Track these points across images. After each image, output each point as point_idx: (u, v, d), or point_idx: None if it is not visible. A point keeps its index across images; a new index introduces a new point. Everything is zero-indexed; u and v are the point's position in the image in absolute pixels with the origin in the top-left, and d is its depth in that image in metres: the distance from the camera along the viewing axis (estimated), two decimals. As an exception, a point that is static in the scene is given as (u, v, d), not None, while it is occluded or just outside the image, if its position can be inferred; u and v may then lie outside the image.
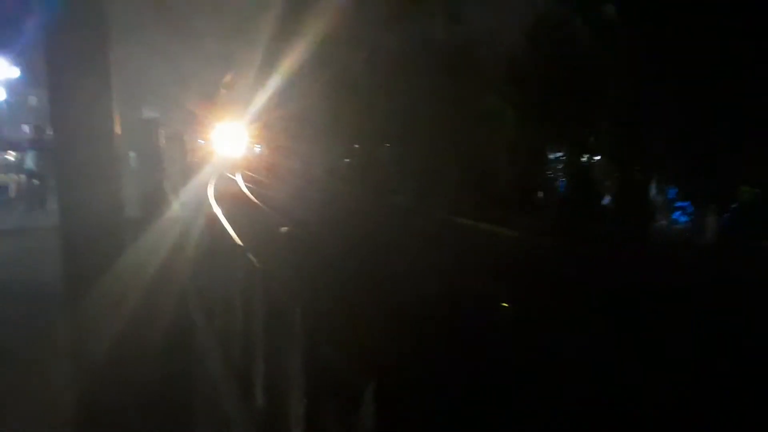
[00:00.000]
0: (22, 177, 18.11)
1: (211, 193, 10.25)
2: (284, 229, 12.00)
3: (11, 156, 30.82)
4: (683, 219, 13.44)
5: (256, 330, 1.97)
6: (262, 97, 24.12)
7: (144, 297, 2.57)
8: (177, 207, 5.48)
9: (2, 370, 3.81)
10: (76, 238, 2.32)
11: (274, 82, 22.59)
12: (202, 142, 28.42)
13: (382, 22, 19.29)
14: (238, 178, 24.02)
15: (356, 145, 24.59)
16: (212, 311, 3.12)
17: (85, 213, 2.33)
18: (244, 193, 19.78)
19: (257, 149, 30.78)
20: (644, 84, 12.04)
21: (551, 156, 16.20)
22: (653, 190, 14.01)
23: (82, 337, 2.28)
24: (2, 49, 26.62)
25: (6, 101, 28.88)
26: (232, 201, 14.03)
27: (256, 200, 17.24)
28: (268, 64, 22.82)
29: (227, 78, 29.62)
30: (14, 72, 27.68)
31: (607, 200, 14.25)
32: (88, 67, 2.34)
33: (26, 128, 36.91)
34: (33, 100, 34.75)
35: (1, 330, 4.73)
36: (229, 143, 28.38)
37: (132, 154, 9.42)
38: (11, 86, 28.77)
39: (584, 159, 15.30)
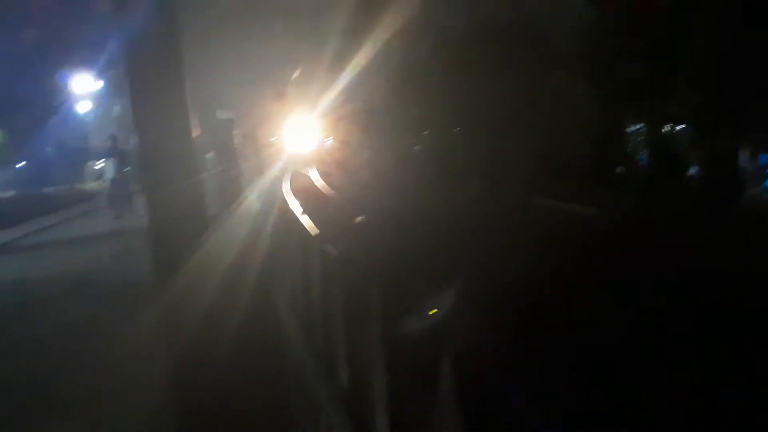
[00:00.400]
0: (105, 184, 19.25)
1: (284, 186, 10.48)
2: (358, 219, 12.09)
3: (98, 165, 32.76)
4: (778, 187, 12.60)
5: (334, 308, 1.98)
6: (331, 92, 24.48)
7: (225, 281, 2.68)
8: (253, 200, 5.62)
9: (105, 342, 4.20)
10: (163, 230, 2.45)
11: (344, 77, 22.87)
12: (275, 138, 29.13)
13: (445, 6, 19.10)
14: (310, 172, 24.46)
15: (425, 132, 24.48)
16: (290, 292, 3.17)
17: (170, 207, 2.45)
18: (316, 185, 20.12)
19: (328, 143, 31.22)
20: (729, 42, 11.32)
21: (631, 128, 15.53)
22: (743, 158, 13.17)
23: (171, 315, 2.40)
24: (88, 66, 28.24)
25: (92, 112, 30.64)
26: (305, 193, 14.28)
27: (329, 191, 17.50)
28: (338, 60, 23.14)
29: (296, 74, 30.22)
30: (98, 85, 29.34)
31: (693, 171, 13.53)
32: (164, 76, 2.46)
33: (132, 140, 39.14)
34: (117, 110, 36.71)
35: (102, 311, 5.16)
36: (300, 138, 28.94)
37: (210, 154, 9.76)
38: (97, 98, 30.49)
39: (666, 129, 14.55)
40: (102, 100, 31.61)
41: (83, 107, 29.37)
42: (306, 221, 4.95)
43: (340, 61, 22.91)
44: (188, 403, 2.43)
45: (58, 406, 3.93)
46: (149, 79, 2.43)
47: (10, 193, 30.82)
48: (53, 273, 8.90)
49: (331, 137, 30.24)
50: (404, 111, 22.58)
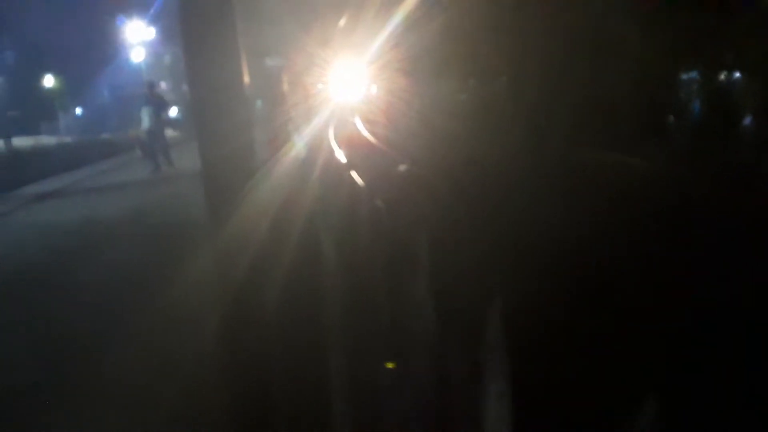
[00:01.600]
0: (142, 134, 18.75)
1: (331, 134, 10.69)
2: (402, 167, 12.27)
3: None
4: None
5: (378, 254, 2.18)
6: (378, 39, 24.27)
7: (274, 225, 2.93)
8: (301, 148, 5.83)
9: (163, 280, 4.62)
10: (216, 175, 2.68)
11: (390, 23, 22.60)
12: (322, 85, 29.18)
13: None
14: (356, 120, 24.55)
15: (471, 81, 24.11)
16: (336, 237, 3.39)
17: (222, 153, 2.68)
18: (361, 133, 20.27)
19: (374, 90, 31.09)
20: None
21: (684, 76, 14.99)
22: (804, 107, 12.62)
23: (226, 255, 2.66)
24: (140, 14, 28.68)
25: (144, 61, 31.25)
26: (350, 141, 14.48)
27: (373, 140, 17.65)
28: (385, 5, 22.82)
29: (343, 20, 29.96)
30: (150, 33, 29.83)
31: (748, 121, 13.06)
32: (218, 23, 2.62)
33: (164, 85, 39.86)
34: (167, 59, 37.25)
35: (160, 250, 5.59)
36: (347, 86, 28.91)
37: (259, 101, 9.97)
38: (149, 46, 31.06)
39: (722, 78, 14.00)
40: (154, 48, 32.16)
41: (137, 55, 29.97)
42: (352, 170, 5.15)
43: (387, 6, 22.61)
44: (232, 351, 2.67)
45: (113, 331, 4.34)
46: (202, 26, 2.57)
47: (68, 139, 32.02)
48: (108, 214, 9.48)
49: (377, 85, 30.11)
50: (450, 59, 22.25)
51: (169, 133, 29.18)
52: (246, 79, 2.78)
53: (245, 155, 2.65)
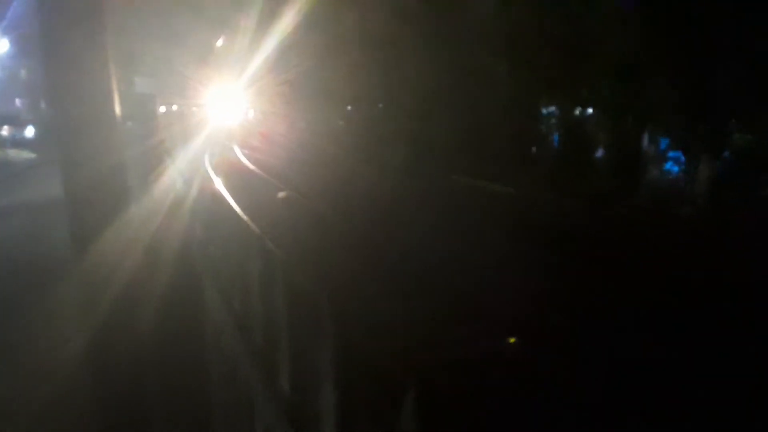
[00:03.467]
0: None
1: (207, 157, 10.37)
2: (282, 194, 12.15)
3: (5, 131, 30.77)
4: (675, 169, 13.56)
5: (252, 276, 2.14)
6: (256, 62, 23.96)
7: (147, 252, 2.77)
8: (174, 174, 5.60)
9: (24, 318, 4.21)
10: (81, 198, 2.47)
11: (268, 46, 22.42)
12: (197, 108, 28.32)
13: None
14: (233, 144, 24.05)
15: (349, 107, 24.53)
16: (210, 260, 3.29)
17: (88, 178, 2.48)
18: (239, 158, 19.85)
19: (252, 114, 30.68)
20: (636, 34, 12.03)
21: (545, 111, 16.23)
22: (645, 141, 14.11)
23: (88, 291, 2.47)
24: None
25: (-2, 75, 28.62)
26: (228, 166, 14.14)
27: (251, 166, 17.34)
28: (262, 28, 22.62)
29: (220, 40, 29.36)
30: (3, 46, 27.41)
31: (600, 153, 14.35)
32: (85, 33, 2.44)
33: (18, 102, 36.66)
34: (23, 73, 34.43)
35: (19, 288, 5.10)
36: (223, 109, 28.29)
37: (129, 123, 9.42)
38: (2, 61, 28.50)
39: (577, 113, 15.33)
40: (7, 62, 29.56)
41: (-14, 69, 27.39)
42: (228, 195, 5.02)
43: (265, 30, 22.45)
44: (100, 380, 2.48)
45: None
46: (67, 37, 2.33)
47: None
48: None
49: (255, 109, 29.75)
50: (329, 85, 22.50)
51: (25, 155, 26.82)
52: (115, 95, 2.61)
53: (115, 177, 2.48)
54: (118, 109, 2.49)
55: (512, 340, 4.19)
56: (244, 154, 20.72)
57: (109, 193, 2.40)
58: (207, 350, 3.04)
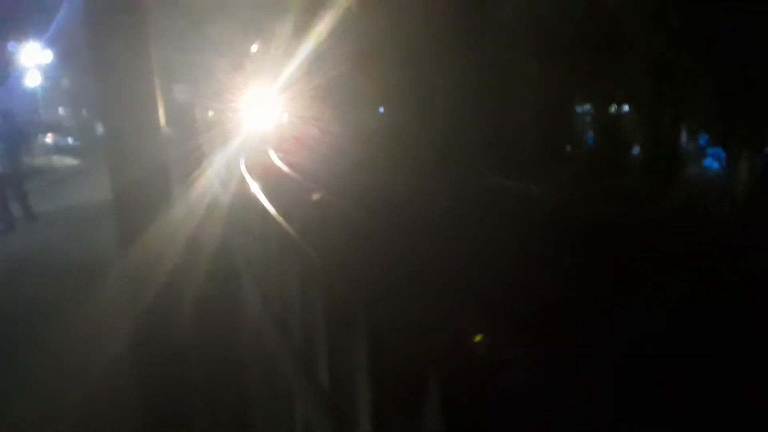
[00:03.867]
0: None
1: (243, 160, 10.57)
2: (316, 195, 12.33)
3: (49, 138, 31.85)
4: (715, 166, 13.27)
5: (290, 277, 2.24)
6: (290, 66, 24.33)
7: (186, 248, 2.91)
8: (212, 178, 5.80)
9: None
10: (127, 207, 2.61)
11: (302, 51, 22.75)
12: (233, 112, 28.86)
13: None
14: (268, 147, 24.43)
15: (381, 110, 24.69)
16: (247, 261, 3.42)
17: (136, 184, 2.62)
18: (274, 161, 20.16)
19: (286, 119, 31.11)
20: (671, 27, 11.85)
21: (579, 109, 16.08)
22: (684, 138, 13.85)
23: (136, 287, 2.60)
24: (35, 35, 27.28)
25: (41, 85, 29.60)
26: (262, 169, 14.39)
27: (286, 169, 17.60)
28: (297, 34, 22.98)
29: (255, 47, 29.85)
30: (47, 56, 28.39)
31: (636, 150, 14.15)
32: (130, 45, 2.58)
33: (61, 110, 37.90)
34: (65, 83, 35.55)
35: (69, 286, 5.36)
36: (258, 113, 28.76)
37: (169, 129, 9.67)
38: (45, 70, 29.49)
39: (613, 110, 15.16)
40: (51, 72, 30.58)
41: (32, 79, 28.35)
42: (263, 197, 5.16)
43: (299, 35, 22.80)
44: (145, 381, 2.62)
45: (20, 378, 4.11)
46: (113, 49, 2.47)
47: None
48: (11, 252, 8.83)
49: (290, 112, 30.15)
50: (362, 89, 22.69)
51: (68, 161, 27.70)
52: (159, 102, 2.75)
53: (158, 178, 2.62)
54: (161, 116, 2.63)
55: (478, 338, 4.23)
56: (279, 158, 21.03)
57: (152, 193, 2.54)
58: (245, 344, 3.16)
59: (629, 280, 5.89)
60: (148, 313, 2.54)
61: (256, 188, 5.68)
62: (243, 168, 7.94)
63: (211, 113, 23.37)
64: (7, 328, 5.14)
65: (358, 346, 1.59)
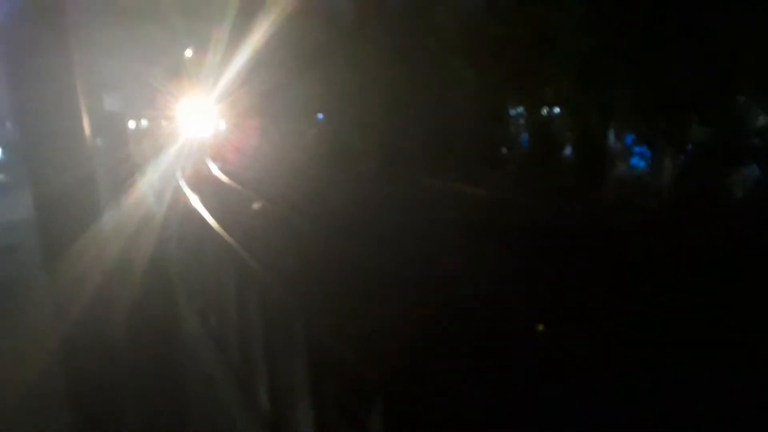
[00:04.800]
0: None
1: (179, 170, 10.39)
2: (256, 204, 12.20)
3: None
4: (641, 164, 13.86)
5: (226, 286, 2.23)
6: (227, 75, 23.93)
7: (118, 260, 2.85)
8: (144, 185, 5.67)
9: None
10: (51, 222, 2.53)
11: (239, 59, 22.42)
12: (168, 121, 28.17)
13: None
14: (206, 157, 23.99)
15: (321, 117, 24.65)
16: (183, 267, 3.36)
17: (59, 198, 2.54)
18: (212, 171, 19.81)
19: (224, 127, 30.60)
20: (597, 32, 12.32)
21: (513, 112, 16.50)
22: (611, 138, 14.42)
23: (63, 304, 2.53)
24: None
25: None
26: (200, 179, 14.12)
27: (225, 178, 17.33)
28: (233, 41, 22.63)
29: (189, 53, 29.22)
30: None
31: (568, 151, 14.63)
32: (51, 48, 2.49)
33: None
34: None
35: None
36: (195, 122, 28.17)
37: (99, 139, 9.32)
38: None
39: (544, 113, 15.62)
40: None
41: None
42: (201, 206, 5.09)
43: (235, 42, 22.46)
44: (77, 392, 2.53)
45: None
46: (32, 54, 2.37)
47: None
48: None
49: (227, 121, 29.68)
50: (299, 95, 22.59)
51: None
52: (83, 110, 2.67)
53: (83, 191, 2.54)
54: (86, 125, 2.56)
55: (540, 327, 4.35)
56: (217, 167, 20.69)
57: (78, 206, 2.46)
58: (182, 361, 3.10)
59: (559, 270, 6.11)
60: (76, 332, 2.47)
61: (195, 200, 5.58)
62: (180, 178, 7.80)
63: (144, 122, 22.76)
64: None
65: (298, 355, 1.60)
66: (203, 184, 13.17)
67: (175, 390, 3.14)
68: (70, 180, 2.60)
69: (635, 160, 14.09)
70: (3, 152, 32.24)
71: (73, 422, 2.65)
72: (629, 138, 14.49)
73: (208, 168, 20.59)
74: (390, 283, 5.87)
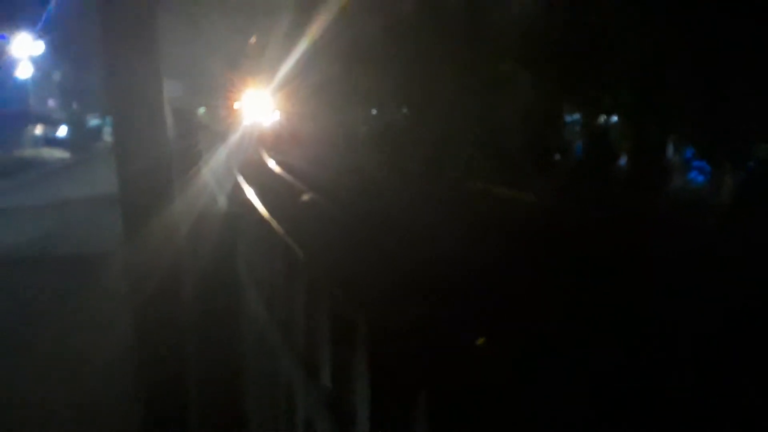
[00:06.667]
0: None
1: (237, 159, 10.74)
2: (306, 197, 12.46)
3: (39, 130, 31.64)
4: (700, 178, 13.49)
5: (279, 267, 2.35)
6: (286, 65, 24.39)
7: (188, 236, 3.04)
8: (209, 177, 5.91)
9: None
10: (132, 192, 2.71)
11: (298, 49, 22.83)
12: (228, 110, 28.87)
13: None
14: (262, 146, 24.52)
15: (374, 112, 24.84)
16: (247, 257, 3.53)
17: (141, 177, 2.72)
18: (267, 161, 20.24)
19: (281, 117, 31.15)
20: (660, 41, 12.07)
21: (568, 118, 16.29)
22: (670, 150, 14.09)
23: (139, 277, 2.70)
24: (27, 26, 27.09)
25: (32, 77, 29.42)
26: (255, 168, 14.46)
27: (278, 168, 17.69)
28: (292, 32, 23.05)
29: (251, 43, 29.86)
30: (39, 48, 28.21)
31: (623, 161, 14.37)
32: (141, 38, 2.67)
33: (51, 102, 37.62)
34: (57, 75, 35.31)
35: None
36: (253, 112, 28.80)
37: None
38: (36, 62, 29.31)
39: (601, 121, 15.38)
40: (42, 63, 30.37)
41: (23, 71, 28.17)
42: (254, 197, 5.28)
43: (294, 34, 22.87)
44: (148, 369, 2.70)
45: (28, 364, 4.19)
46: (124, 46, 2.54)
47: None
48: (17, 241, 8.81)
49: (284, 111, 30.19)
50: (354, 90, 22.82)
51: (58, 154, 27.38)
52: (164, 97, 2.85)
53: (161, 170, 2.71)
54: (167, 112, 2.75)
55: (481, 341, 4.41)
56: (272, 157, 21.11)
57: (156, 183, 2.64)
58: (242, 328, 3.28)
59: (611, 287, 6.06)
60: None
61: (248, 187, 5.79)
62: (237, 167, 8.04)
63: (202, 110, 23.38)
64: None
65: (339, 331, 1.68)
66: (258, 173, 13.53)
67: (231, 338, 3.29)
68: (150, 159, 2.77)
69: (693, 174, 13.75)
70: (69, 131, 33.75)
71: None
72: (689, 151, 14.15)
73: (264, 158, 21.05)
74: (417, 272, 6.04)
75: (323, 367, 1.65)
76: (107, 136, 26.21)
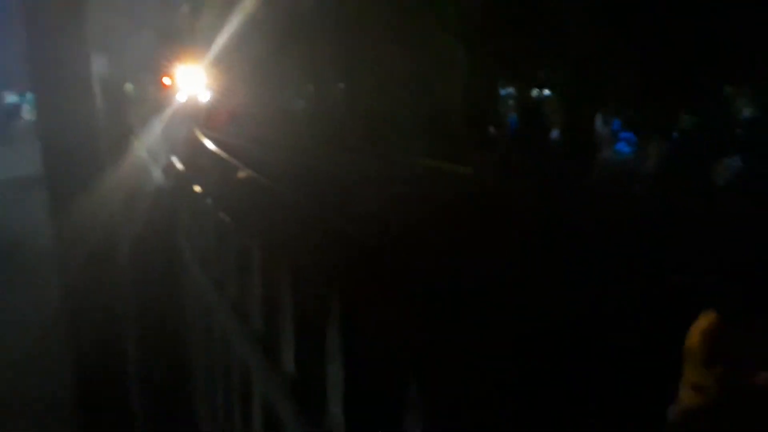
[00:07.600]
0: None
1: (170, 135, 10.45)
2: (242, 173, 12.28)
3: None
4: (626, 149, 14.09)
5: (212, 235, 2.37)
6: (219, 40, 23.67)
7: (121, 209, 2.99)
8: (138, 146, 5.72)
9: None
10: (59, 178, 2.63)
11: (231, 25, 22.18)
12: (160, 86, 27.89)
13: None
14: (197, 123, 23.84)
15: (309, 87, 24.56)
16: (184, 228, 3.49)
17: (68, 155, 2.64)
18: (201, 138, 19.74)
19: (216, 94, 30.32)
20: (591, 20, 12.41)
21: (503, 92, 16.58)
22: (599, 123, 14.62)
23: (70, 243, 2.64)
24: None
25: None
26: (190, 145, 14.10)
27: (214, 146, 17.30)
28: (225, 5, 22.35)
29: (182, 14, 28.86)
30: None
31: (555, 134, 14.80)
32: (65, 13, 2.56)
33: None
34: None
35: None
36: (187, 88, 27.89)
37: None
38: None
39: (534, 94, 15.74)
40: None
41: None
42: (185, 169, 5.18)
43: (227, 6, 22.18)
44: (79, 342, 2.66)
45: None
46: (48, 11, 2.43)
47: None
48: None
49: (219, 87, 29.39)
50: (289, 64, 22.45)
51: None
52: (92, 70, 2.74)
53: (91, 146, 2.63)
54: (94, 86, 2.65)
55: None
56: (207, 135, 20.60)
57: (85, 158, 2.56)
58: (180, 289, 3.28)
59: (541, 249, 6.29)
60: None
61: (181, 164, 5.65)
62: (170, 142, 7.83)
63: (130, 86, 22.47)
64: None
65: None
66: (192, 150, 13.19)
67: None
68: (77, 132, 2.69)
69: (621, 146, 14.34)
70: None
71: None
72: (616, 123, 14.72)
73: (199, 135, 20.50)
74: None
75: (254, 315, 1.72)
76: (27, 114, 24.80)
